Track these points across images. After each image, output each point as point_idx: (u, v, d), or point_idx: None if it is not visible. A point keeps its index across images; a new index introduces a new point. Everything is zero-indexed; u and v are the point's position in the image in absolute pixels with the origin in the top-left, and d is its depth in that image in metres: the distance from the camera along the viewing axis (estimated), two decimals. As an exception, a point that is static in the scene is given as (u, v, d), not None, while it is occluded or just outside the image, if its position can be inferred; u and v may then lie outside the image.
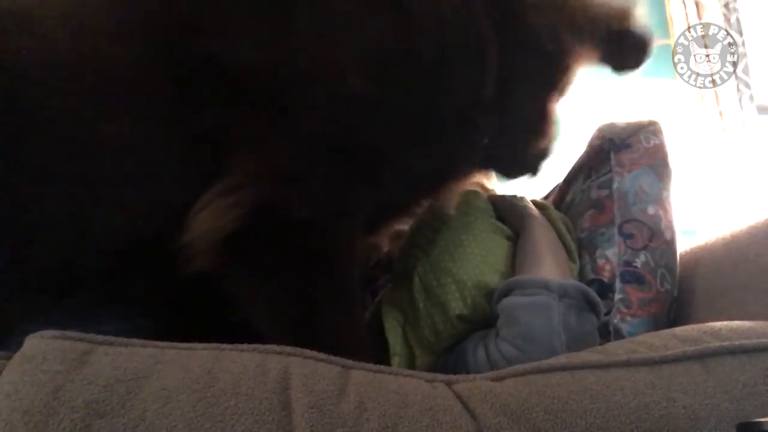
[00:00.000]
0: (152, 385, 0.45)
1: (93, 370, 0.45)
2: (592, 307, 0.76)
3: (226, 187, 0.58)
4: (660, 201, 0.88)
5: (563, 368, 0.53)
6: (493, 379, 0.53)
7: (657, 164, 0.90)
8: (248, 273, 0.60)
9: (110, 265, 0.60)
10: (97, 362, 0.46)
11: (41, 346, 0.47)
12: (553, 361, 0.55)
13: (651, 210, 0.87)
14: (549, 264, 0.81)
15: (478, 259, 0.84)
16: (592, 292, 0.76)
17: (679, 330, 0.61)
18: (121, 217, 0.59)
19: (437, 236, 0.89)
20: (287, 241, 0.59)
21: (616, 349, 0.58)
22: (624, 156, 0.92)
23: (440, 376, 0.54)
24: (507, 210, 0.93)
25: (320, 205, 0.61)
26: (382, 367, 0.54)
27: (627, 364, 0.53)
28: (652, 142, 0.92)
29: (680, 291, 0.88)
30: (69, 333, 0.49)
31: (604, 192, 0.92)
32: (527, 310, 0.74)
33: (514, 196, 0.96)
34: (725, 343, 0.55)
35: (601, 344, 0.69)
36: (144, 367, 0.47)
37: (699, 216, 1.94)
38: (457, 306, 0.81)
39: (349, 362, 0.53)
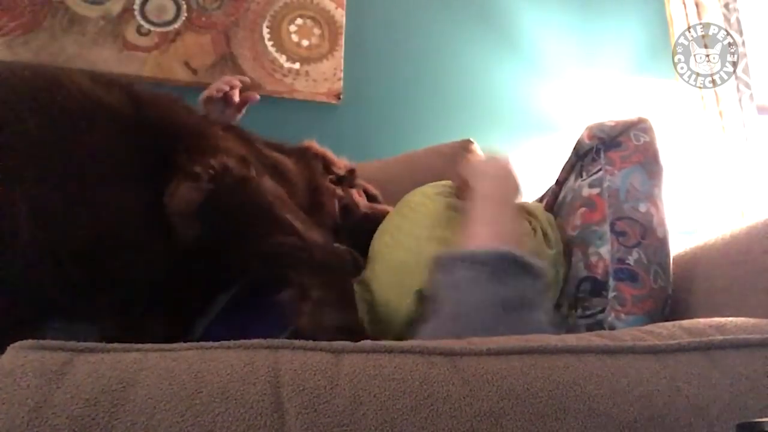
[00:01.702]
0: (138, 395, 0.43)
1: (75, 381, 0.44)
2: (525, 269, 0.71)
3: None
4: (651, 198, 0.88)
5: (570, 351, 0.53)
6: (498, 355, 0.52)
7: (647, 162, 0.90)
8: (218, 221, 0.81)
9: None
10: (79, 373, 0.44)
11: (19, 358, 0.45)
12: (560, 342, 0.55)
13: (643, 207, 0.87)
14: (479, 232, 0.78)
15: (436, 236, 0.86)
16: (520, 254, 0.71)
17: (686, 322, 0.61)
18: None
19: (404, 221, 0.92)
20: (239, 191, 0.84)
21: (623, 336, 0.58)
22: (614, 154, 0.92)
23: (441, 348, 0.52)
24: (463, 189, 0.93)
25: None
26: (376, 344, 0.52)
27: (632, 350, 0.53)
28: (642, 139, 0.92)
29: (680, 291, 0.87)
30: (46, 342, 0.47)
31: (595, 190, 0.92)
32: (448, 289, 0.72)
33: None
34: (730, 337, 0.55)
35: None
36: (128, 375, 0.45)
37: (699, 216, 1.94)
38: (415, 281, 0.82)
39: (340, 346, 0.51)
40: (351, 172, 1.22)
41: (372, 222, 1.06)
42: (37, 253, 0.70)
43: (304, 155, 1.14)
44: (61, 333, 0.57)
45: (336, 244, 0.98)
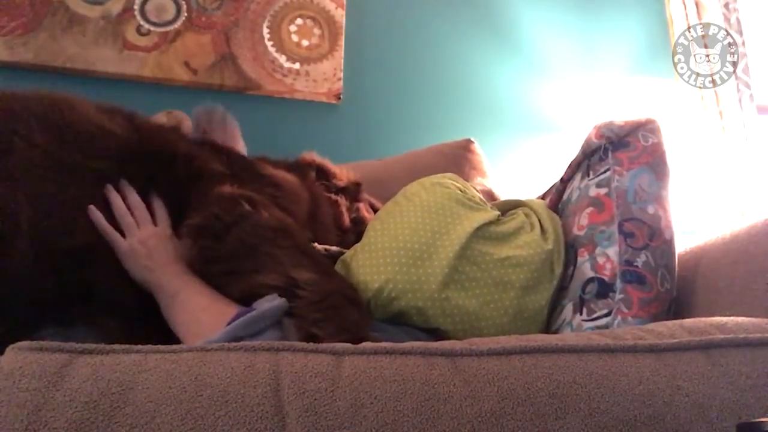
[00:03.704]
0: (137, 398, 0.43)
1: (74, 384, 0.43)
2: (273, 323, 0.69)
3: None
4: (659, 200, 0.87)
5: (571, 350, 0.53)
6: (499, 355, 0.52)
7: (655, 163, 0.90)
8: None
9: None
10: (78, 375, 0.44)
11: (18, 360, 0.45)
12: (560, 342, 0.55)
13: (651, 209, 0.86)
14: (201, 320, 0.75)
15: (422, 228, 0.88)
16: (261, 311, 0.68)
17: (687, 321, 0.61)
18: None
19: (396, 208, 0.94)
20: None
21: (623, 334, 0.58)
22: (622, 154, 0.91)
23: (441, 349, 0.52)
24: None
25: None
26: (376, 346, 0.52)
27: (633, 349, 0.54)
28: (650, 140, 0.91)
29: (680, 291, 0.87)
30: (45, 343, 0.47)
31: (603, 190, 0.91)
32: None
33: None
34: (730, 336, 0.55)
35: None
36: (127, 377, 0.44)
37: (699, 216, 1.94)
38: (384, 273, 0.84)
39: (341, 348, 0.51)
40: (357, 185, 1.21)
41: None
42: (36, 253, 0.73)
43: (300, 166, 1.14)
44: (57, 337, 0.57)
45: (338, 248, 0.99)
